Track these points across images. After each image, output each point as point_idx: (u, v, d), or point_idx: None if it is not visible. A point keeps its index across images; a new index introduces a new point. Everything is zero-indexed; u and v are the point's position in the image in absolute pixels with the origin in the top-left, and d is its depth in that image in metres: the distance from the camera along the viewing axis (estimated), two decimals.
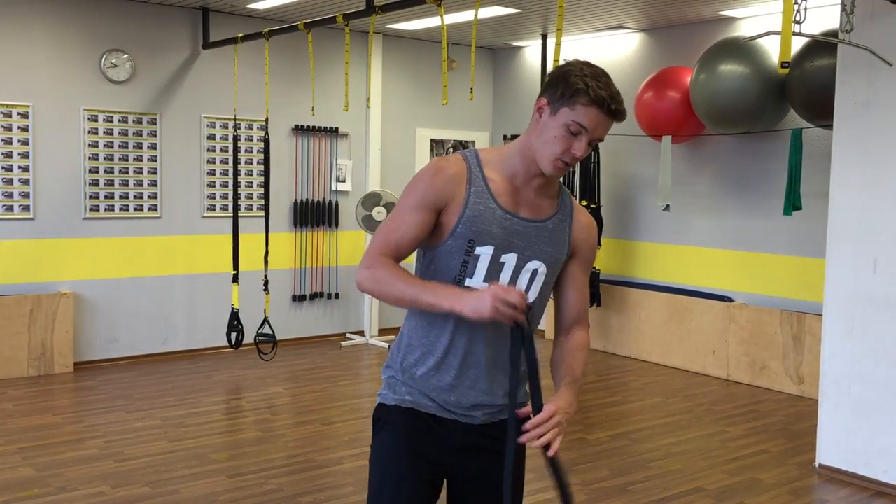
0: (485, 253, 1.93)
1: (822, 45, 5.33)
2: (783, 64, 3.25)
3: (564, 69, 1.89)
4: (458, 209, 1.92)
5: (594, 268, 7.22)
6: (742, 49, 5.90)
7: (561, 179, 2.08)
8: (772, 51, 5.86)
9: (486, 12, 6.59)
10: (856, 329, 4.48)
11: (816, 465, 4.68)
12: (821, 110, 5.36)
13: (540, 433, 1.81)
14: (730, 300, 6.75)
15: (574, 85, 1.85)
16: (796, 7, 3.67)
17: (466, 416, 2.00)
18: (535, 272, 1.98)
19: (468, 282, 1.93)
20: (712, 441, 5.15)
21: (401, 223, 1.93)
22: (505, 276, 1.95)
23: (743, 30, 6.59)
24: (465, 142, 8.68)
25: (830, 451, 4.61)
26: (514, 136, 8.51)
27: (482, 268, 1.93)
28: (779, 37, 3.34)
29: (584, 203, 7.25)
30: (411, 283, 1.87)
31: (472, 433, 2.01)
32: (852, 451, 4.51)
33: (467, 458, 2.02)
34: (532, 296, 1.98)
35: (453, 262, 1.93)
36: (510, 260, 1.95)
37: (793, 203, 5.86)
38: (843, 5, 4.27)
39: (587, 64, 1.91)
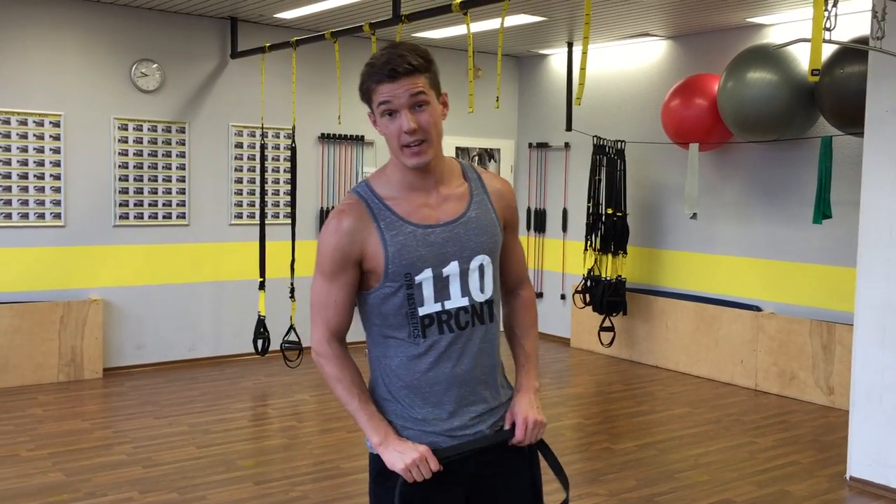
0: (425, 278, 1.88)
1: (853, 52, 5.27)
2: (813, 72, 3.21)
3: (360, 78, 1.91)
4: (379, 250, 1.86)
5: (619, 275, 7.19)
6: (771, 56, 5.85)
7: (466, 161, 2.09)
8: (801, 58, 5.81)
9: (512, 20, 6.60)
10: (887, 339, 4.41)
11: (847, 478, 4.61)
12: (851, 118, 5.30)
13: (527, 443, 1.97)
14: (758, 309, 6.68)
15: (362, 86, 1.88)
16: (826, 14, 3.63)
17: (475, 436, 1.95)
18: (481, 267, 1.94)
19: (420, 311, 1.89)
20: (741, 452, 5.09)
21: (328, 298, 1.91)
22: (454, 287, 1.91)
23: (771, 37, 6.53)
24: (491, 149, 8.68)
25: (862, 462, 4.54)
26: (539, 144, 8.51)
27: (429, 293, 1.89)
28: (808, 44, 3.30)
29: (609, 211, 7.21)
30: (351, 394, 1.93)
31: (485, 452, 1.95)
32: (884, 464, 4.43)
33: (486, 474, 1.98)
34: (488, 290, 1.95)
35: (397, 300, 1.89)
36: (453, 269, 1.90)
37: (822, 211, 5.79)
38: (874, 12, 4.22)
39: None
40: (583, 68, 4.01)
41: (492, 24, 6.55)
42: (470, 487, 1.98)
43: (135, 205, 6.77)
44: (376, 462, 1.95)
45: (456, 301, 1.91)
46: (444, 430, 1.93)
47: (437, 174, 1.93)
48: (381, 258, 1.86)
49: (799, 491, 4.46)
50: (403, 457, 1.85)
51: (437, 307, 1.89)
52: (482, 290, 1.94)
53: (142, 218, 6.81)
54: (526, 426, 1.96)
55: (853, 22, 5.64)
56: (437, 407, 1.92)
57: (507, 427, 1.98)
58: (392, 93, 1.82)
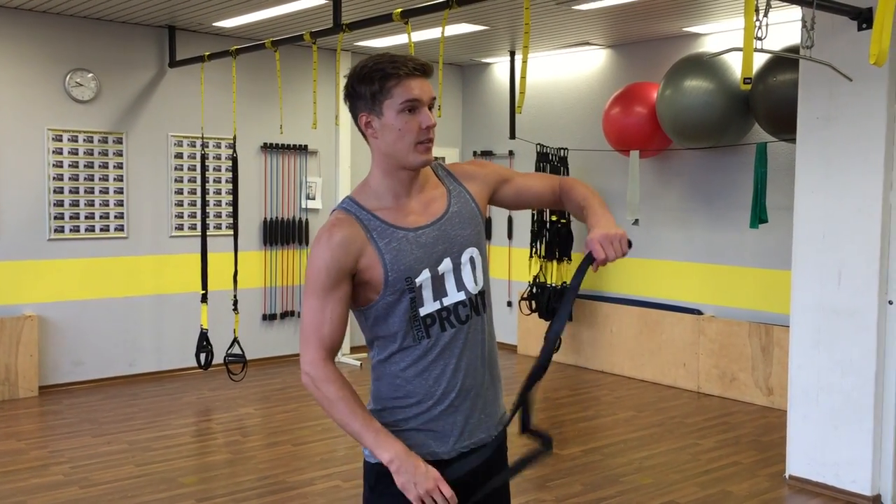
0: (424, 279, 1.91)
1: (784, 61, 5.41)
2: (745, 80, 3.29)
3: (358, 77, 1.87)
4: (376, 260, 1.88)
5: (564, 282, 7.25)
6: (706, 65, 5.98)
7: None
8: (735, 66, 5.94)
9: (454, 29, 6.62)
10: (822, 341, 4.53)
11: (787, 477, 4.71)
12: (784, 124, 5.43)
13: (615, 257, 1.86)
14: (699, 313, 6.80)
15: (377, 79, 1.84)
16: (758, 24, 3.72)
17: (475, 445, 2.00)
18: (471, 260, 1.98)
19: (422, 311, 1.91)
20: (684, 454, 5.17)
21: (324, 313, 1.88)
22: (450, 283, 1.94)
23: (707, 46, 6.68)
24: (436, 158, 8.66)
25: (800, 462, 4.64)
26: (484, 152, 8.55)
27: (428, 293, 1.92)
28: (741, 53, 3.38)
29: (553, 218, 7.28)
30: (354, 414, 1.86)
31: (479, 460, 1.99)
32: (821, 462, 4.54)
33: (477, 480, 2.00)
34: (480, 281, 1.99)
35: (401, 305, 1.90)
36: (446, 266, 1.94)
37: (759, 216, 5.93)
38: (804, 22, 4.34)
39: (369, 58, 1.89)
40: (523, 77, 4.05)
41: (433, 33, 6.56)
42: (464, 497, 1.98)
43: (71, 217, 6.60)
44: (374, 469, 1.95)
45: (453, 296, 1.94)
46: (448, 441, 1.95)
47: (420, 179, 1.98)
48: (379, 268, 1.88)
49: (740, 491, 4.55)
50: (416, 486, 1.81)
51: (437, 305, 1.92)
52: (475, 281, 1.98)
53: (78, 231, 6.63)
54: (602, 244, 1.84)
55: (784, 31, 5.79)
56: (444, 417, 1.95)
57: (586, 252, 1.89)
58: (421, 89, 1.86)
